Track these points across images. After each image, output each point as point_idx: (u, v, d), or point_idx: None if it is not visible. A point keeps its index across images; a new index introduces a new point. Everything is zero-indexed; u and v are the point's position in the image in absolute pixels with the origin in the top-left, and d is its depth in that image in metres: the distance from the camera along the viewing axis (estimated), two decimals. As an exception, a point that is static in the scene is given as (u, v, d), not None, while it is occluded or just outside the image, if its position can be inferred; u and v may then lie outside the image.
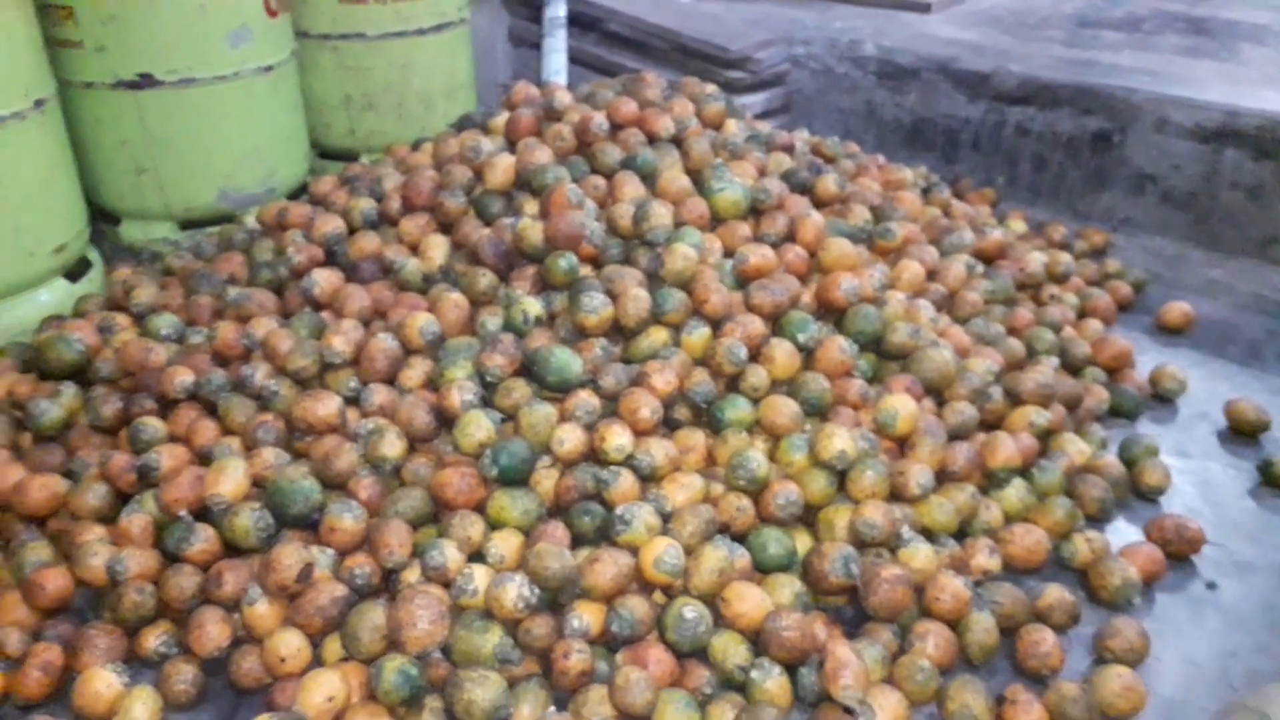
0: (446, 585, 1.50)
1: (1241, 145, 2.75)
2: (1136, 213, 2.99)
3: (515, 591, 1.43)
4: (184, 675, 1.43)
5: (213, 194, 2.68)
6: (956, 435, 1.83)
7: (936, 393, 1.90)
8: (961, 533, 1.73)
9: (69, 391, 1.89)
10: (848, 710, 1.37)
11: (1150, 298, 2.68)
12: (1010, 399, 1.95)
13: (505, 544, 1.54)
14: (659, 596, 1.55)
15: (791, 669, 1.45)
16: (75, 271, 2.43)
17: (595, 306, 1.83)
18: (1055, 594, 1.62)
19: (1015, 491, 1.78)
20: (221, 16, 2.52)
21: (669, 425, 1.78)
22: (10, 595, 1.55)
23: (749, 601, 1.49)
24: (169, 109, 2.53)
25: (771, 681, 1.41)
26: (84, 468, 1.74)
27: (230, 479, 1.59)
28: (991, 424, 1.92)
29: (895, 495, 1.69)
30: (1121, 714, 1.45)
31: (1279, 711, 1.25)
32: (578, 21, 3.47)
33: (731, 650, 1.46)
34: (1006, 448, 1.80)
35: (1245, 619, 1.67)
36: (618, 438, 1.65)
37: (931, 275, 2.25)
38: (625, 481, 1.62)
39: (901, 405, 1.76)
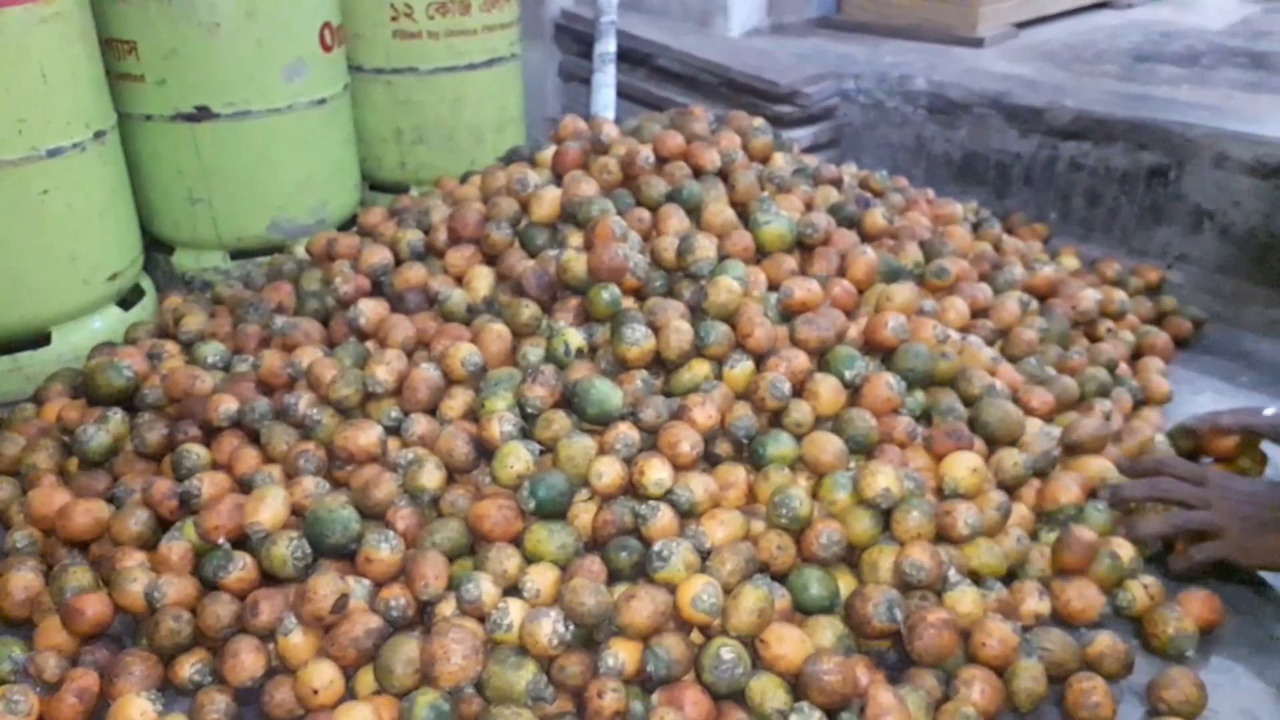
0: (481, 619, 1.49)
1: (1304, 181, 2.68)
2: (1193, 249, 2.92)
3: (550, 627, 1.41)
4: (217, 705, 1.43)
5: (264, 224, 2.72)
6: (1005, 487, 1.78)
7: (990, 440, 1.85)
8: (1010, 576, 1.69)
9: (116, 418, 1.91)
10: (889, 759, 1.33)
11: (1208, 336, 2.61)
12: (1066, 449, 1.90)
13: (541, 578, 1.52)
14: (696, 636, 1.52)
15: (832, 714, 1.41)
16: (128, 299, 2.47)
17: (637, 339, 1.81)
18: (1107, 641, 1.56)
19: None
20: (277, 51, 2.57)
21: (709, 460, 1.76)
22: (51, 619, 1.56)
23: (789, 643, 1.45)
24: (224, 141, 2.58)
25: (811, 727, 1.37)
26: (127, 494, 1.75)
27: (269, 507, 1.59)
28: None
29: (941, 536, 1.65)
30: (1178, 769, 1.39)
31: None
32: (628, 57, 3.50)
33: (770, 693, 1.42)
34: (1069, 490, 1.75)
35: (1311, 672, 1.60)
36: (657, 472, 1.63)
37: (984, 312, 2.21)
38: (664, 517, 1.59)
39: (960, 471, 1.71)
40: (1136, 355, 2.41)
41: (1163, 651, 1.60)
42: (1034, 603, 1.61)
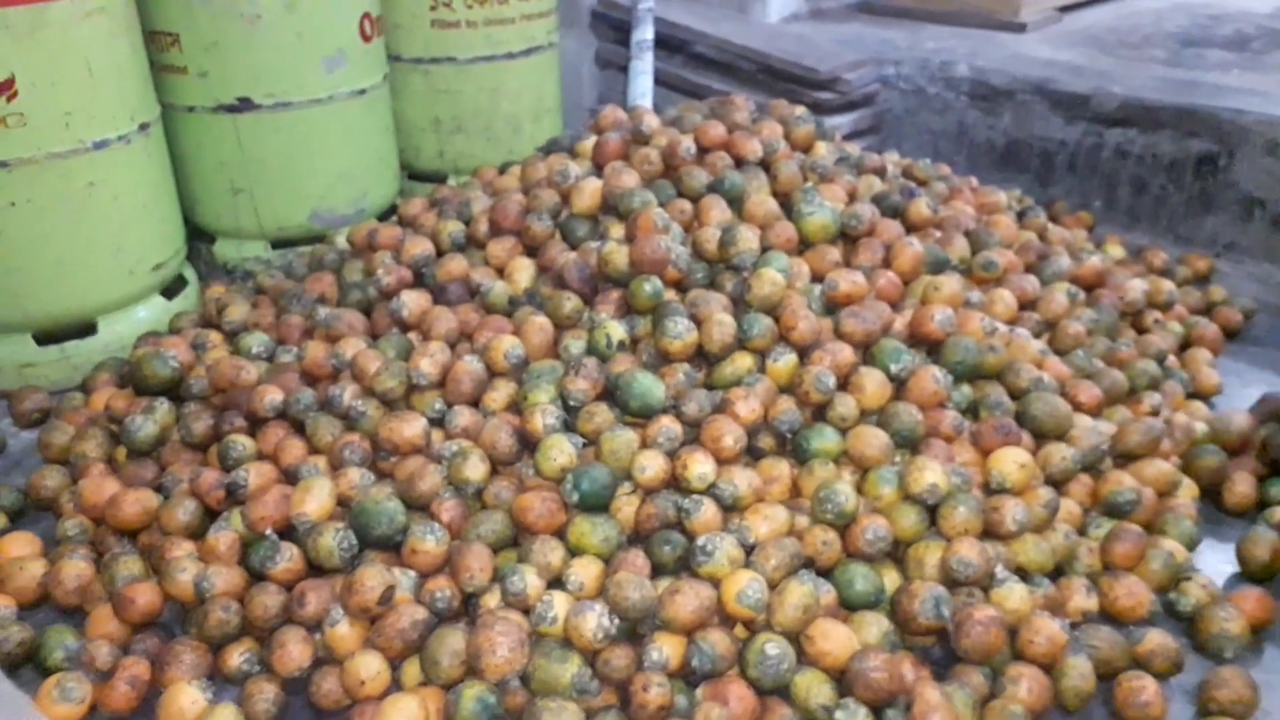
0: (526, 611, 1.49)
1: (1360, 169, 2.62)
2: (1243, 238, 2.87)
3: (595, 621, 1.41)
4: (265, 694, 1.44)
5: (305, 214, 2.73)
6: (1053, 482, 1.76)
7: (1038, 435, 1.83)
8: (1057, 571, 1.67)
9: (162, 408, 1.93)
10: (937, 757, 1.32)
11: (1258, 327, 2.56)
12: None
13: (585, 571, 1.52)
14: (740, 631, 1.52)
15: (877, 711, 1.40)
16: (172, 289, 2.50)
17: (679, 331, 1.80)
18: (1157, 639, 1.53)
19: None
20: (318, 42, 2.57)
21: (753, 454, 1.75)
22: (102, 608, 1.59)
23: (834, 640, 1.44)
24: (265, 131, 2.60)
25: (857, 723, 1.36)
26: (175, 483, 1.77)
27: (315, 499, 1.60)
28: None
29: (989, 532, 1.63)
30: (1229, 769, 1.37)
31: None
32: (665, 44, 3.47)
33: (815, 689, 1.41)
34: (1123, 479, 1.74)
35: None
36: (700, 466, 1.62)
37: (1031, 304, 2.18)
38: (707, 511, 1.59)
39: (1008, 466, 1.69)
40: (1185, 346, 2.37)
41: (1212, 650, 1.57)
42: (1081, 599, 1.59)
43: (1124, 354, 2.15)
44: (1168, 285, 2.48)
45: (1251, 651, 1.60)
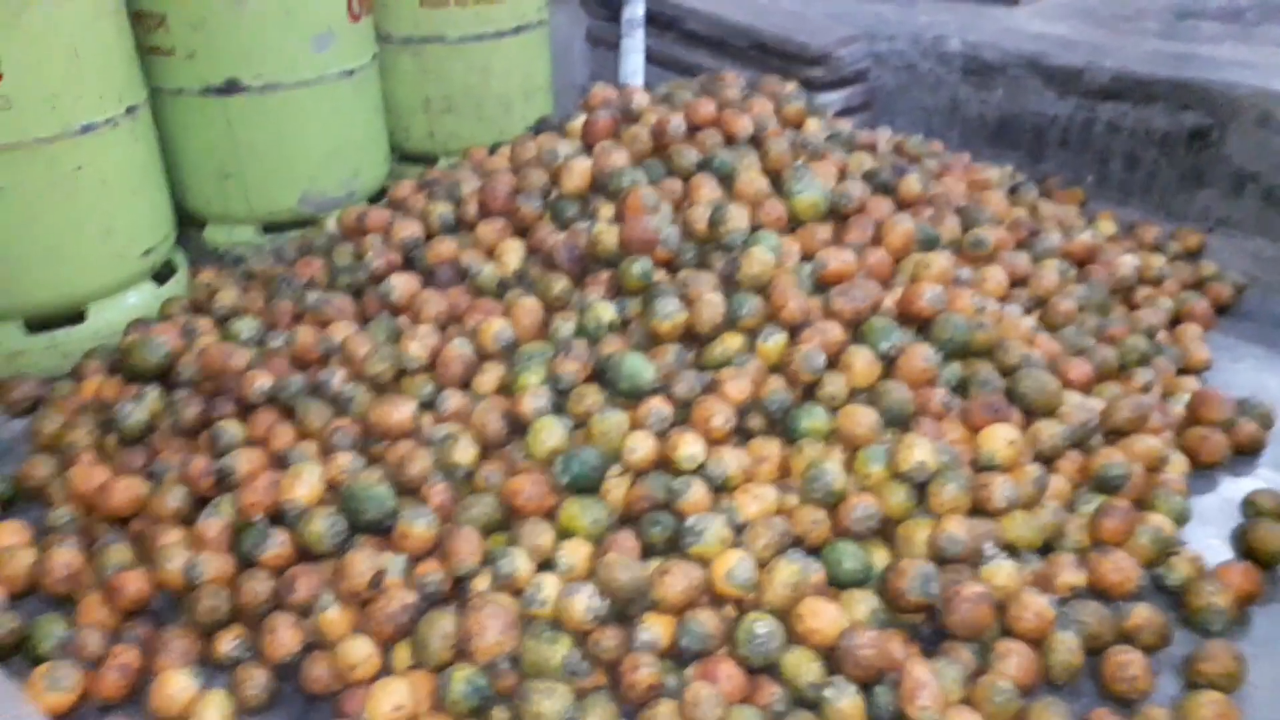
0: (516, 594, 1.49)
1: (1353, 141, 2.61)
2: (1235, 213, 2.86)
3: (584, 602, 1.42)
4: (256, 680, 1.45)
5: (295, 197, 2.72)
6: (1043, 459, 1.76)
7: (1028, 411, 1.83)
8: (1047, 548, 1.67)
9: (152, 394, 1.93)
10: (925, 733, 1.33)
11: (1249, 302, 2.56)
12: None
13: (575, 553, 1.53)
14: (730, 610, 1.52)
15: (866, 688, 1.41)
16: (162, 275, 2.49)
17: (669, 312, 1.80)
18: (1144, 614, 1.54)
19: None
20: (305, 20, 2.56)
21: (742, 434, 1.75)
22: (92, 596, 1.59)
23: (823, 618, 1.45)
24: (254, 114, 2.58)
25: (846, 701, 1.37)
26: (165, 470, 1.77)
27: (305, 484, 1.61)
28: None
29: (977, 509, 1.64)
30: (1216, 743, 1.38)
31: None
32: (656, 21, 3.45)
33: (804, 667, 1.42)
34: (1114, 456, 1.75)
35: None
36: (690, 446, 1.62)
37: (1022, 281, 2.18)
38: (697, 492, 1.59)
39: (997, 444, 1.70)
40: (1175, 321, 2.36)
41: (1203, 624, 1.58)
42: (1070, 575, 1.60)
43: (1115, 330, 2.14)
44: (1159, 261, 2.48)
45: (1238, 625, 1.61)
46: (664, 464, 1.65)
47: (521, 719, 1.34)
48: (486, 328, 1.84)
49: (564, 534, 1.58)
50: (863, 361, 1.78)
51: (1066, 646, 1.47)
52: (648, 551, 1.57)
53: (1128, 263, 2.37)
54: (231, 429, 1.79)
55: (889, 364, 1.81)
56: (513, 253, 2.05)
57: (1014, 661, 1.45)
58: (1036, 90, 3.15)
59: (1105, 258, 2.40)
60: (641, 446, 1.63)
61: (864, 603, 1.51)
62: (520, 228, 2.12)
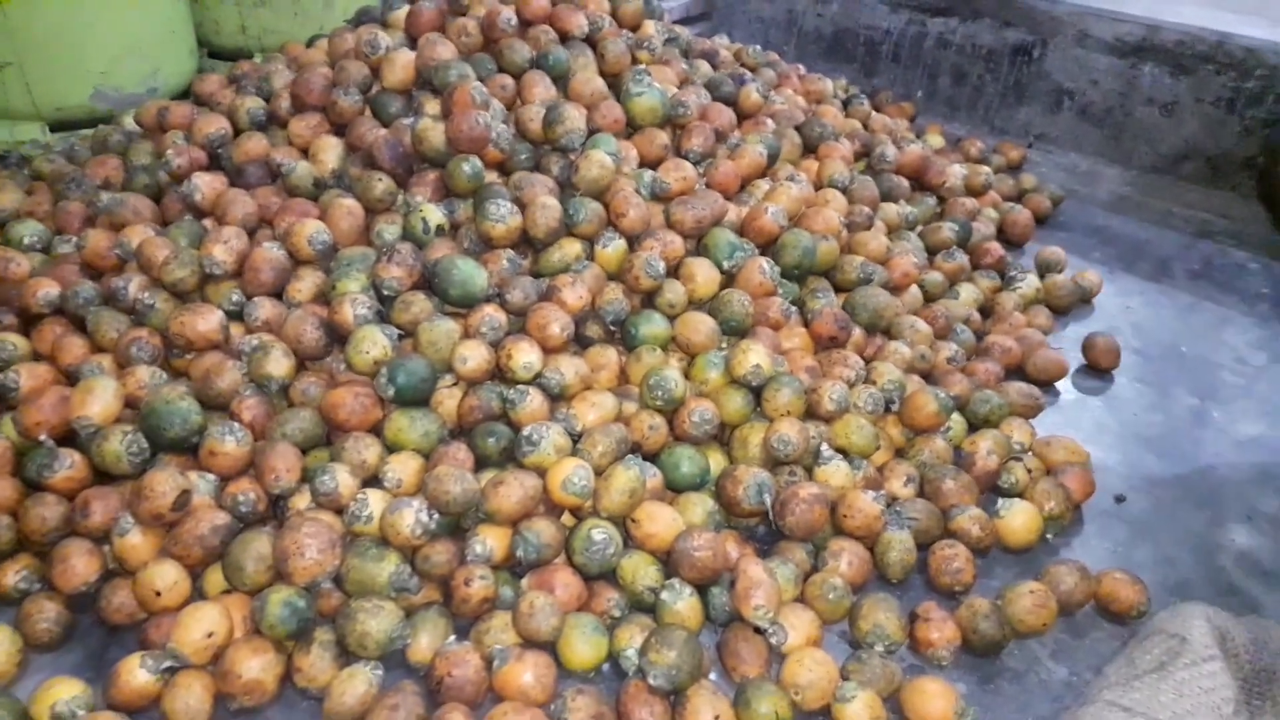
0: (339, 512, 1.41)
1: (1160, 60, 2.73)
2: (1052, 128, 2.97)
3: (413, 517, 1.35)
4: (46, 613, 1.32)
5: (87, 93, 2.47)
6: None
7: (871, 329, 1.85)
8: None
9: (-80, 306, 1.72)
10: (759, 631, 1.33)
11: (1064, 213, 2.67)
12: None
13: (403, 467, 1.45)
14: (567, 519, 1.48)
15: (703, 589, 1.40)
16: (-70, 175, 2.22)
17: (502, 215, 1.71)
18: (974, 512, 1.58)
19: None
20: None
21: (580, 343, 1.70)
22: None
23: (660, 522, 1.43)
24: (31, -3, 2.31)
25: (682, 603, 1.36)
26: (-67, 389, 1.58)
27: (99, 400, 1.46)
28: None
29: (810, 413, 1.64)
30: (1032, 629, 1.43)
31: (1197, 632, 1.23)
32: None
33: (641, 572, 1.40)
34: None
35: (1153, 532, 1.66)
36: (525, 355, 1.56)
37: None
38: (533, 401, 1.53)
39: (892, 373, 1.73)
40: (1000, 231, 2.43)
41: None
42: (899, 487, 1.61)
43: (943, 233, 2.20)
44: (985, 171, 2.55)
45: (1073, 527, 1.67)
46: (498, 374, 1.58)
47: (346, 640, 1.27)
48: (300, 230, 1.70)
49: (391, 448, 1.50)
50: (703, 272, 1.74)
51: (902, 545, 1.50)
52: (481, 463, 1.51)
53: (955, 173, 2.42)
54: (12, 342, 1.62)
55: (729, 278, 1.79)
56: (329, 150, 1.91)
57: (845, 559, 1.47)
58: (871, 4, 3.16)
59: (934, 168, 2.44)
60: (474, 356, 1.56)
61: (700, 505, 1.50)
62: (338, 124, 1.97)
